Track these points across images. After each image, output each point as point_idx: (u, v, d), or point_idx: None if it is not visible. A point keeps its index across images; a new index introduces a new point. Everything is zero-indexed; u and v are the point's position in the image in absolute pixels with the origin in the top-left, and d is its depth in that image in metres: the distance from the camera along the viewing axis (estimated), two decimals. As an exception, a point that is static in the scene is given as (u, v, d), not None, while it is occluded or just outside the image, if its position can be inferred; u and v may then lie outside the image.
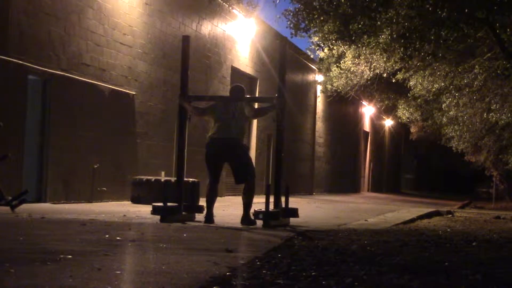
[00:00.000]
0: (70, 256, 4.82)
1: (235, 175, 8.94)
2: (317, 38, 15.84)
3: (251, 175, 8.86)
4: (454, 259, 5.61)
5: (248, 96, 9.09)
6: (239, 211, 10.28)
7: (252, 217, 8.75)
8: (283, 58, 9.40)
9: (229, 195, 18.97)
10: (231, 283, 4.10)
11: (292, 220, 9.37)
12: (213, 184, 8.91)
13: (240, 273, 4.48)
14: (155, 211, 8.73)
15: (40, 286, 3.72)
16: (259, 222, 8.67)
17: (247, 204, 8.78)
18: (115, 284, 3.91)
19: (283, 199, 9.08)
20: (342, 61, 21.12)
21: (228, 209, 12.53)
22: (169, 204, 8.66)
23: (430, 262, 5.40)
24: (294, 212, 9.15)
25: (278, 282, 4.19)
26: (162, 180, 13.84)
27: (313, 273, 4.56)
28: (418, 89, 19.40)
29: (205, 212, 8.94)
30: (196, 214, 9.30)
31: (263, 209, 8.63)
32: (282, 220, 8.87)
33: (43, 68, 11.79)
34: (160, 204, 8.68)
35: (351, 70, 20.86)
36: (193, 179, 14.01)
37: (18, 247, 5.33)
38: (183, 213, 8.98)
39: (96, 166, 13.11)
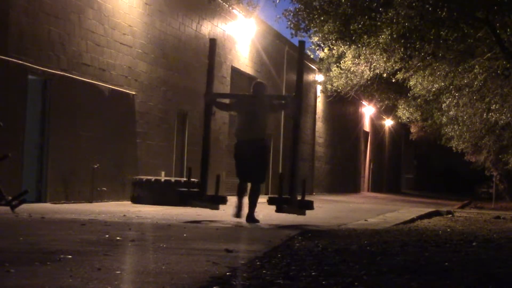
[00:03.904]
0: (70, 256, 4.82)
1: (249, 176, 9.29)
2: (317, 38, 15.84)
3: (262, 179, 9.32)
4: (454, 259, 5.60)
5: (267, 94, 9.60)
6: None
7: (256, 216, 9.09)
8: (301, 61, 9.94)
9: (229, 195, 18.94)
10: (231, 283, 4.10)
11: (292, 220, 9.40)
12: (242, 183, 9.30)
13: (240, 273, 4.48)
14: (178, 195, 9.38)
15: (40, 286, 3.72)
16: (265, 218, 9.14)
17: (252, 204, 9.08)
18: (115, 284, 3.91)
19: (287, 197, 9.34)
20: (342, 61, 21.11)
21: (229, 209, 12.51)
22: (192, 190, 9.29)
23: (430, 262, 5.40)
24: (309, 204, 9.36)
25: (278, 282, 4.19)
26: (162, 180, 13.85)
27: (313, 273, 4.56)
28: (418, 89, 19.38)
29: (234, 206, 9.23)
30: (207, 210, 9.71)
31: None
32: (297, 210, 9.22)
33: (43, 68, 11.79)
34: (185, 189, 9.37)
35: (351, 70, 20.84)
36: (193, 179, 14.00)
37: (18, 247, 5.32)
38: (206, 203, 9.47)
39: (96, 166, 13.11)
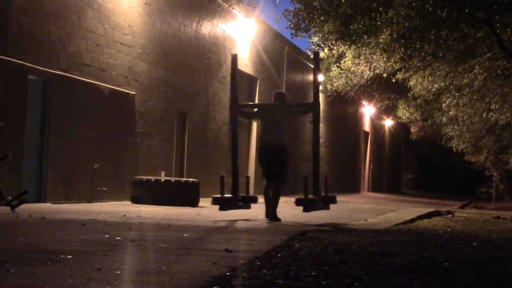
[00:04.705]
0: (70, 256, 4.82)
1: (273, 178, 9.95)
2: (317, 38, 15.83)
3: (283, 181, 9.89)
4: (454, 259, 5.60)
5: (288, 102, 10.53)
6: (239, 211, 10.33)
7: (277, 214, 9.72)
8: (316, 71, 10.63)
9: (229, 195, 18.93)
10: (231, 283, 4.10)
11: (293, 220, 9.50)
12: (269, 184, 9.87)
13: (240, 273, 4.48)
14: (215, 202, 9.93)
15: (40, 286, 3.72)
16: (293, 214, 10.10)
17: (274, 204, 9.72)
18: (115, 284, 3.91)
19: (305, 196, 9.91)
20: (342, 61, 21.09)
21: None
22: (225, 195, 10.00)
23: (430, 262, 5.40)
24: (333, 199, 10.30)
25: (278, 282, 4.19)
26: (162, 180, 13.85)
27: (313, 273, 4.56)
28: (418, 89, 19.38)
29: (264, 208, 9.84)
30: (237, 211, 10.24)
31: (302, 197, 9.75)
32: (322, 206, 10.13)
33: (43, 68, 11.79)
34: (219, 195, 9.96)
35: (351, 70, 20.83)
36: (193, 179, 14.01)
37: (18, 247, 5.33)
38: (239, 203, 10.22)
39: (96, 166, 13.11)
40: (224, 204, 9.98)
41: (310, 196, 9.84)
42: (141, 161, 14.93)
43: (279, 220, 9.57)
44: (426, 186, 52.00)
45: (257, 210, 10.68)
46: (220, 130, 19.09)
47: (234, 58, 10.77)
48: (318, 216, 10.49)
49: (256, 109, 11.14)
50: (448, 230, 10.07)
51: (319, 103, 10.51)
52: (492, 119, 19.74)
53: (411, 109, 24.92)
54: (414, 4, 12.29)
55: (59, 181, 12.34)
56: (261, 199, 10.28)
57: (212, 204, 10.07)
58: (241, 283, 4.13)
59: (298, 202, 9.78)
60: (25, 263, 4.45)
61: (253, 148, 21.43)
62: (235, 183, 10.17)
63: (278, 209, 9.86)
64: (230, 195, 10.08)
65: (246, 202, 10.34)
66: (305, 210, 9.82)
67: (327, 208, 10.29)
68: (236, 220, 9.30)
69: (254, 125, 21.49)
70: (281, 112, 10.04)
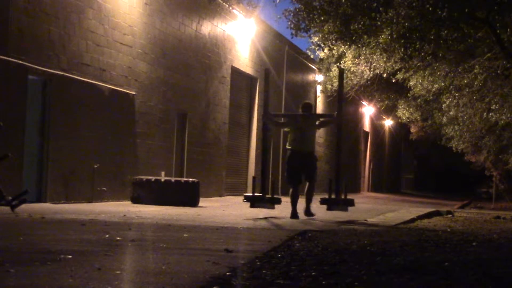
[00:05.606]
0: (70, 256, 4.82)
1: (305, 177, 10.95)
2: (317, 38, 15.83)
3: (314, 180, 10.95)
4: (454, 259, 5.60)
5: (314, 113, 10.88)
6: (239, 211, 10.35)
7: (311, 210, 10.70)
8: (341, 86, 11.38)
9: (229, 195, 18.97)
10: (231, 283, 4.10)
11: (292, 220, 9.60)
12: (295, 188, 10.83)
13: (240, 273, 4.48)
14: (247, 199, 10.98)
15: (40, 286, 3.72)
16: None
17: (308, 200, 10.78)
18: (115, 284, 3.91)
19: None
20: (342, 61, 21.08)
21: (228, 209, 12.54)
22: (256, 194, 10.94)
23: (430, 262, 5.40)
24: (351, 202, 10.92)
25: (278, 282, 4.20)
26: (162, 180, 13.85)
27: (313, 273, 4.56)
28: (418, 89, 19.38)
29: (290, 209, 10.65)
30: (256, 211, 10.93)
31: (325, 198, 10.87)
32: (342, 207, 10.94)
33: (43, 68, 11.79)
34: (250, 194, 11.09)
35: (351, 70, 20.82)
36: (193, 179, 14.00)
37: (18, 247, 5.33)
38: (267, 203, 10.97)
39: (96, 166, 13.11)
40: (254, 202, 10.89)
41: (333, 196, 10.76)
42: (141, 161, 14.92)
43: (314, 214, 10.59)
44: (426, 186, 51.99)
45: (275, 211, 11.16)
46: (220, 130, 19.09)
47: (267, 73, 11.78)
48: (317, 216, 10.51)
49: (287, 118, 12.17)
50: (448, 230, 10.06)
51: (342, 115, 11.24)
52: (492, 119, 19.72)
53: (411, 109, 24.92)
54: (414, 4, 12.29)
55: (59, 181, 12.34)
56: (284, 199, 11.24)
57: (244, 201, 11.14)
58: (241, 283, 4.14)
59: (322, 201, 10.84)
60: (25, 263, 4.45)
61: (252, 148, 21.46)
62: (264, 185, 11.05)
63: (281, 207, 10.63)
64: (260, 194, 10.94)
65: (272, 202, 11.00)
66: (328, 209, 10.86)
67: (346, 210, 10.93)
68: (267, 218, 10.03)
69: (254, 126, 21.51)
70: (310, 121, 11.03)
